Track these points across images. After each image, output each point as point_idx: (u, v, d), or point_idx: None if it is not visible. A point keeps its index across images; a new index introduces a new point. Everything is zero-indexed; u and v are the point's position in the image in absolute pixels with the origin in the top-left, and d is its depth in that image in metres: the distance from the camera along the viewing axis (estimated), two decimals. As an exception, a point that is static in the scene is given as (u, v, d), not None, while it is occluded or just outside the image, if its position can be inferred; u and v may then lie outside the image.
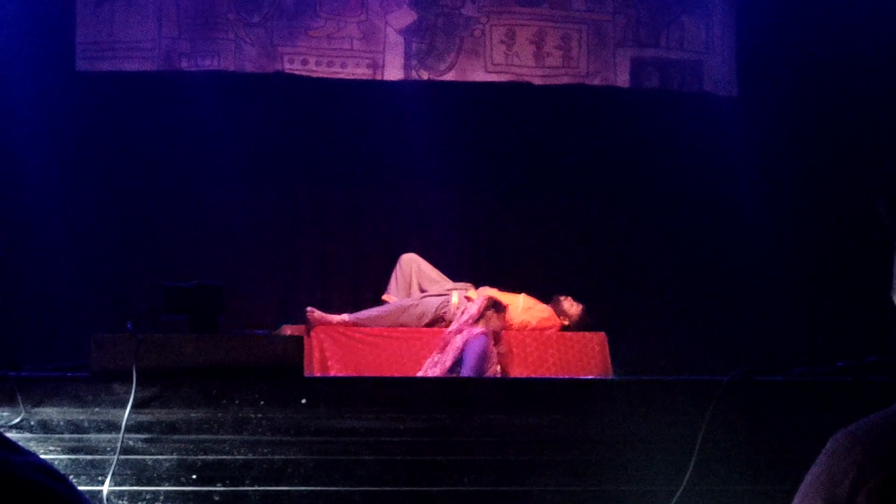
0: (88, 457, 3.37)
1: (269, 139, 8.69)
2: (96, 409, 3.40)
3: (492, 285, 7.86)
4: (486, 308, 7.39)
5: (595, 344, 7.67)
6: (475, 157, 8.84)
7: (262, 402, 3.43)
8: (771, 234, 8.59)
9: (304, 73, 8.51)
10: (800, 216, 8.65)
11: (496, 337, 7.31)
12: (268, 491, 3.38)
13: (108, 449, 3.36)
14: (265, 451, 3.41)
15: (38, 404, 3.40)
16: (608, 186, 8.91)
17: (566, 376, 6.87)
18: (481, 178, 8.89)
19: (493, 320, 7.34)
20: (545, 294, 8.00)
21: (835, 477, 1.62)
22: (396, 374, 6.91)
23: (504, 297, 7.68)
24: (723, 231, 8.74)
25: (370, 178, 8.83)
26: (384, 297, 8.03)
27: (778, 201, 8.66)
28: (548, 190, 8.92)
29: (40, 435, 3.38)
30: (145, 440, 3.39)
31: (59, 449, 3.38)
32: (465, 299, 7.60)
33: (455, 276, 8.05)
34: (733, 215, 8.72)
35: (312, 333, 7.44)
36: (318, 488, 3.39)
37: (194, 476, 3.38)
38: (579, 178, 8.92)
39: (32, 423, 3.39)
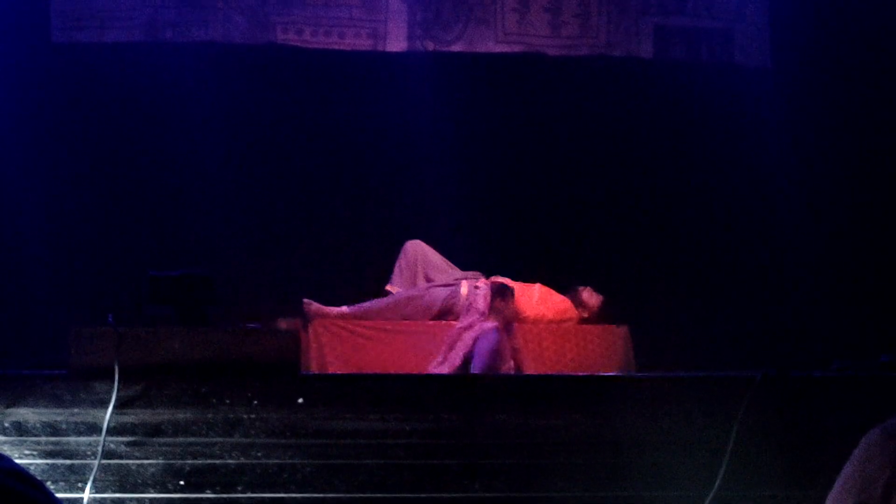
0: (67, 461, 3.36)
1: (262, 117, 8.68)
2: (75, 410, 3.40)
3: (504, 275, 7.85)
4: (493, 297, 7.38)
5: (617, 338, 7.65)
6: (485, 136, 8.82)
7: (255, 402, 3.43)
8: (807, 218, 8.57)
9: (299, 44, 8.49)
10: (838, 199, 8.62)
11: (508, 327, 7.30)
12: (262, 498, 3.37)
13: (89, 453, 3.36)
14: (259, 454, 3.41)
15: (12, 404, 3.40)
16: (630, 167, 8.89)
17: (585, 373, 6.87)
18: (492, 159, 8.86)
19: (503, 309, 7.34)
20: (563, 284, 7.99)
21: (868, 476, 1.61)
22: (401, 371, 6.91)
23: (518, 287, 7.67)
24: (755, 215, 8.72)
25: (372, 159, 8.81)
26: (387, 287, 8.02)
27: (814, 183, 8.63)
28: (565, 171, 8.90)
29: (14, 438, 3.38)
30: (128, 443, 3.39)
31: (35, 453, 3.37)
32: (474, 290, 7.58)
33: (464, 264, 8.03)
34: (766, 198, 8.69)
35: (309, 327, 7.44)
36: (317, 495, 3.39)
37: (182, 482, 3.38)
38: (598, 159, 8.89)
39: (6, 424, 3.39)
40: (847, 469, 1.67)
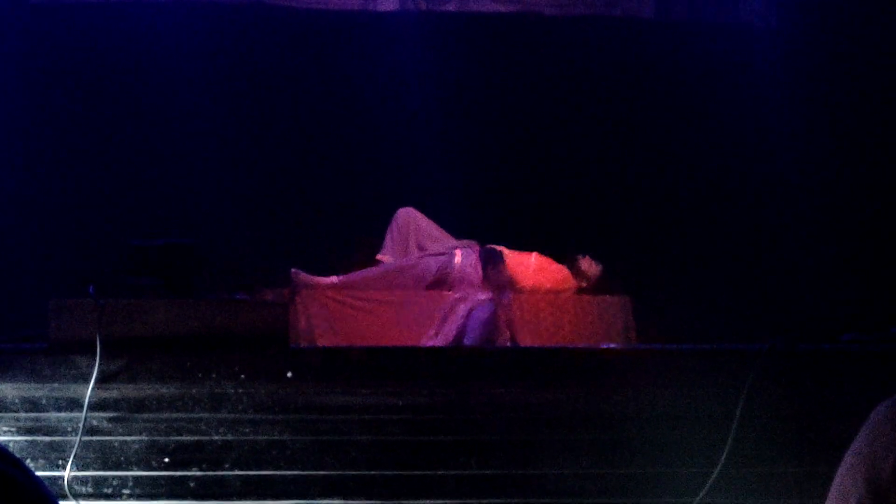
0: (47, 438, 3.36)
1: (249, 80, 8.64)
2: (55, 385, 3.39)
3: (500, 243, 7.84)
4: (484, 266, 7.39)
5: (617, 308, 7.64)
6: (480, 100, 8.79)
7: (242, 376, 3.43)
8: (817, 185, 8.55)
9: (285, 3, 8.46)
10: (848, 164, 8.61)
11: (503, 295, 7.30)
12: (250, 476, 3.37)
13: (70, 429, 3.36)
14: (246, 430, 3.40)
15: (-11, 380, 3.40)
16: (630, 131, 8.87)
17: (584, 345, 6.87)
18: (487, 124, 8.84)
19: (495, 276, 7.34)
20: (560, 253, 7.98)
21: (877, 454, 1.61)
22: (393, 344, 6.91)
23: (514, 256, 7.66)
24: (762, 181, 8.71)
25: (362, 124, 8.78)
26: (378, 256, 8.00)
27: (822, 146, 8.61)
28: (562, 136, 8.88)
29: (-8, 414, 3.38)
30: (111, 419, 3.38)
31: (13, 430, 3.37)
32: (468, 259, 7.58)
33: (458, 233, 8.03)
34: (772, 163, 8.68)
35: (297, 298, 7.42)
36: (307, 472, 3.38)
37: (167, 459, 3.38)
38: (597, 123, 8.87)
39: (-17, 400, 3.39)
40: (855, 445, 1.66)
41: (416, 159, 8.75)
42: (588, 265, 7.92)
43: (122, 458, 3.36)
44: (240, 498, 3.37)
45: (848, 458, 1.66)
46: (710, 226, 8.71)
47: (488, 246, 7.59)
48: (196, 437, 3.39)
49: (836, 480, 1.67)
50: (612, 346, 6.55)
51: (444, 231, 8.02)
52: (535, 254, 7.86)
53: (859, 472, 1.61)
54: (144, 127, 8.48)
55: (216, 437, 3.39)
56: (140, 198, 8.41)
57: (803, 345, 3.62)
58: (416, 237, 7.95)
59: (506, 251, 7.69)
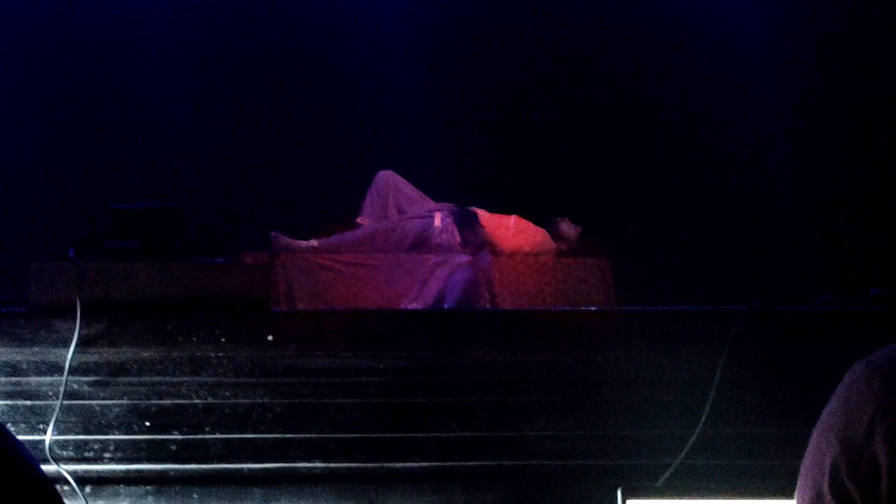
0: (28, 402, 3.36)
1: (225, 41, 8.61)
2: (35, 349, 3.39)
3: (479, 206, 7.84)
4: (461, 229, 7.40)
5: (596, 271, 7.66)
6: (461, 60, 8.77)
7: (223, 340, 3.43)
8: (794, 147, 8.56)
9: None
10: (825, 127, 8.61)
11: (482, 255, 7.31)
12: (231, 439, 3.38)
13: (50, 394, 3.36)
14: (227, 394, 3.41)
15: (-32, 344, 3.39)
16: (609, 91, 8.86)
17: (565, 307, 6.88)
18: (466, 82, 8.82)
19: (472, 237, 7.35)
20: (539, 215, 7.99)
21: (851, 413, 1.61)
22: (374, 307, 6.91)
23: (493, 219, 7.67)
24: (741, 143, 8.71)
25: (341, 85, 8.76)
26: (358, 220, 8.00)
27: (804, 106, 8.61)
28: (541, 96, 8.87)
29: (-28, 379, 3.38)
30: (92, 383, 3.38)
31: (-6, 394, 3.37)
32: (447, 222, 7.57)
33: (437, 195, 8.02)
34: (753, 126, 8.68)
35: (277, 262, 7.42)
36: (288, 435, 3.39)
37: (147, 423, 3.38)
38: (579, 82, 8.86)
39: (-37, 365, 3.39)
40: (830, 405, 1.67)
41: (396, 121, 8.73)
42: (567, 227, 7.94)
43: (103, 422, 3.37)
44: (221, 461, 3.37)
45: (823, 418, 1.67)
46: (689, 188, 8.72)
47: (465, 208, 7.60)
48: (177, 401, 3.39)
49: (812, 440, 1.69)
50: (593, 308, 6.57)
51: (423, 194, 8.02)
52: (514, 217, 7.87)
53: (833, 432, 1.62)
54: (123, 90, 8.44)
55: (197, 401, 3.39)
56: (119, 161, 8.39)
57: (782, 306, 3.63)
58: (395, 200, 7.95)
59: (485, 213, 7.70)
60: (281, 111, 8.75)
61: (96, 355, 3.39)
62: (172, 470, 3.36)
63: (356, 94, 8.74)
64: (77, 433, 3.35)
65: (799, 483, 1.70)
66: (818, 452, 1.65)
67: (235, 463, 3.37)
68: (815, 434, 1.68)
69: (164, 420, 3.38)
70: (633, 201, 8.77)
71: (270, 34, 8.64)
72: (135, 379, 3.39)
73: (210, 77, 8.58)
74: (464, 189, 8.34)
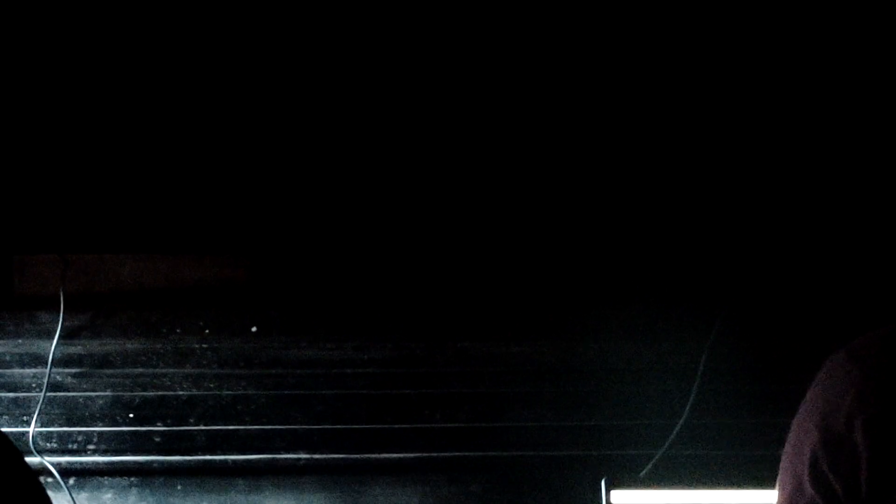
0: (11, 394, 3.36)
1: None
2: (19, 341, 3.39)
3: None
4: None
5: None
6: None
7: (206, 332, 3.43)
8: (777, 132, 8.55)
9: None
10: (804, 109, 8.59)
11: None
12: (215, 430, 3.38)
13: (34, 385, 3.36)
14: (211, 385, 3.41)
15: (-49, 336, 3.39)
16: (585, 63, 8.83)
17: (549, 298, 6.87)
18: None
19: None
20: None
21: (831, 400, 1.62)
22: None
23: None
24: (720, 129, 8.70)
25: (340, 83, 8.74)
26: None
27: (781, 84, 8.58)
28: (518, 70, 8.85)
29: (-45, 371, 3.38)
30: (75, 375, 3.38)
31: (-23, 386, 3.37)
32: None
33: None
34: (733, 103, 8.67)
35: (261, 253, 7.41)
36: (272, 427, 3.39)
37: (131, 415, 3.38)
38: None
39: (-54, 357, 3.39)
40: (810, 393, 1.68)
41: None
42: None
43: (87, 414, 3.37)
44: (205, 452, 3.38)
45: (803, 407, 1.68)
46: (672, 177, 8.71)
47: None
48: (161, 393, 3.39)
49: (793, 429, 1.69)
50: (576, 299, 6.56)
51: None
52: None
53: (813, 421, 1.63)
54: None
55: (181, 393, 3.40)
56: (105, 150, 8.36)
57: (765, 296, 3.64)
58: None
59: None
60: (279, 107, 8.72)
61: (80, 347, 3.39)
62: (156, 462, 3.36)
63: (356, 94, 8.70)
64: (61, 425, 3.35)
65: (780, 473, 1.70)
66: (798, 441, 1.65)
67: (219, 454, 3.37)
68: (794, 423, 1.69)
69: (147, 412, 3.38)
70: (617, 190, 8.75)
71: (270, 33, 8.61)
72: (118, 371, 3.39)
73: (208, 71, 8.55)
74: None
